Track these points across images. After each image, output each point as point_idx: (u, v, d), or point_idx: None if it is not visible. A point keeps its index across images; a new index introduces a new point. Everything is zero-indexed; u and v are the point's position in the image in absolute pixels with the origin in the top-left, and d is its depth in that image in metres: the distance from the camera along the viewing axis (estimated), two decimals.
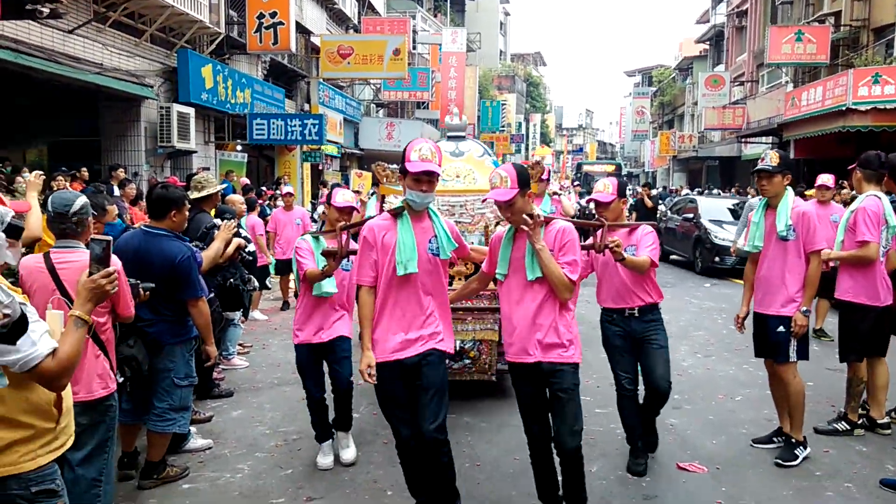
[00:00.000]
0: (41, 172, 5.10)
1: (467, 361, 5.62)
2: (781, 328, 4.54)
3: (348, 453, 4.77)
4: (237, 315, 6.75)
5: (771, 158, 4.59)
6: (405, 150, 3.64)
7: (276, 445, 5.08)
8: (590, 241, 4.01)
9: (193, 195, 5.59)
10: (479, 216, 5.80)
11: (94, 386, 3.42)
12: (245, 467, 4.69)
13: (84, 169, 9.70)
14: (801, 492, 4.23)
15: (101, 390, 3.44)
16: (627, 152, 63.64)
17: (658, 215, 16.59)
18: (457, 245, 3.78)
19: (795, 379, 4.61)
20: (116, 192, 8.86)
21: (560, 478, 3.76)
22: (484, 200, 4.09)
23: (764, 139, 23.25)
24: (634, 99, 54.46)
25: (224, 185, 7.58)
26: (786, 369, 4.61)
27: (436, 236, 3.67)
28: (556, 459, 3.73)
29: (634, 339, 4.48)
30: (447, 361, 3.98)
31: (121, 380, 3.80)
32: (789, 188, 4.61)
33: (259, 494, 4.29)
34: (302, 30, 18.86)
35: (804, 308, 4.49)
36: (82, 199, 3.42)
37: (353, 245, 4.21)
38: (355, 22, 25.41)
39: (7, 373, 2.21)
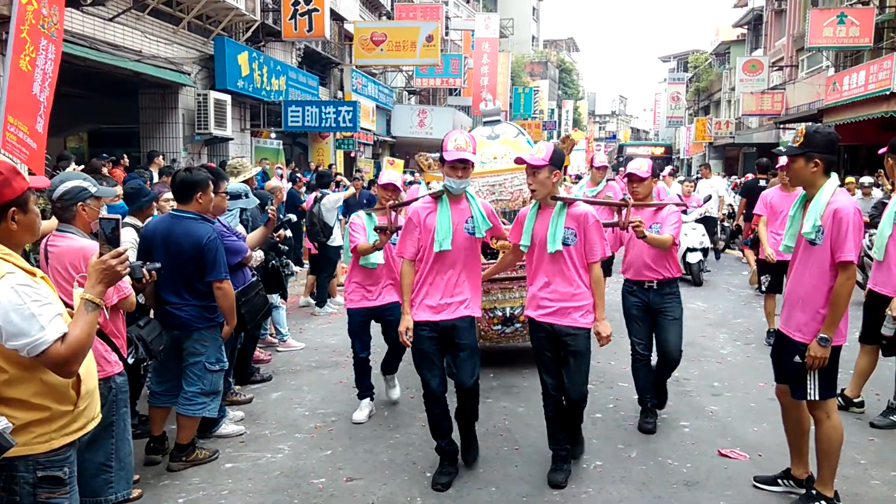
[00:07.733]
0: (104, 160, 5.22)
1: (518, 326, 6.09)
2: (797, 358, 3.66)
3: (394, 393, 5.56)
4: (276, 298, 6.83)
5: (795, 136, 3.69)
6: (443, 141, 4.06)
7: (315, 427, 5.13)
8: (615, 219, 4.44)
9: (233, 180, 5.76)
10: (517, 192, 6.12)
11: None
12: (285, 448, 4.75)
13: (125, 156, 9.86)
14: (845, 479, 4.13)
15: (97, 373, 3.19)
16: (662, 139, 62.52)
17: None
18: (491, 224, 4.17)
19: (829, 420, 3.67)
20: (156, 178, 8.98)
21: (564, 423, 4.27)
22: (516, 160, 4.34)
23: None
24: (669, 85, 53.45)
25: (258, 170, 7.76)
26: (814, 407, 3.72)
27: (472, 217, 4.09)
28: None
29: (651, 310, 4.84)
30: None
31: (131, 361, 3.68)
32: (833, 177, 3.58)
33: (300, 474, 4.34)
34: (336, 17, 18.90)
35: (822, 335, 3.54)
36: (66, 186, 3.37)
37: (402, 222, 4.48)
38: (388, 8, 25.39)
39: (18, 357, 2.16)
